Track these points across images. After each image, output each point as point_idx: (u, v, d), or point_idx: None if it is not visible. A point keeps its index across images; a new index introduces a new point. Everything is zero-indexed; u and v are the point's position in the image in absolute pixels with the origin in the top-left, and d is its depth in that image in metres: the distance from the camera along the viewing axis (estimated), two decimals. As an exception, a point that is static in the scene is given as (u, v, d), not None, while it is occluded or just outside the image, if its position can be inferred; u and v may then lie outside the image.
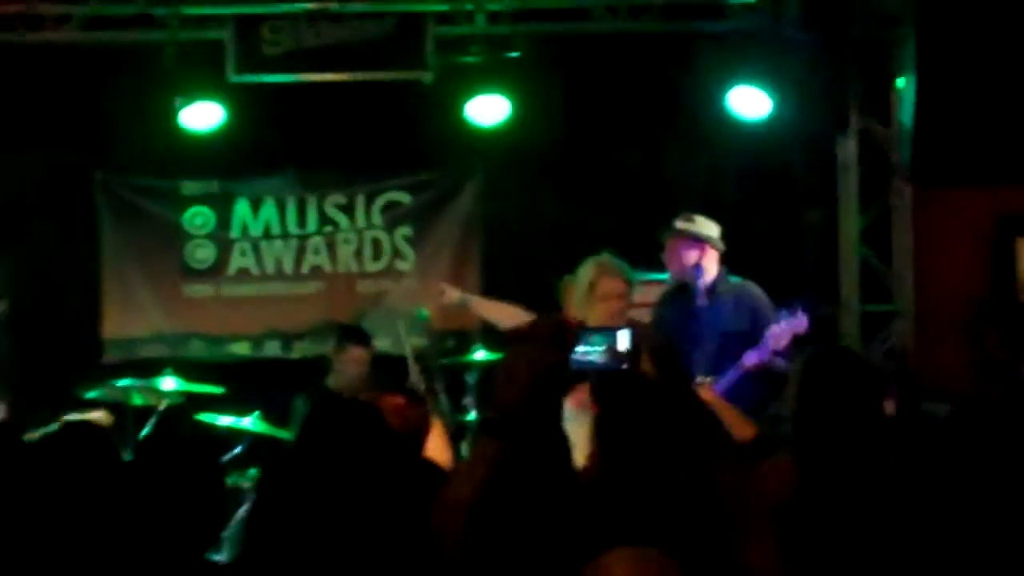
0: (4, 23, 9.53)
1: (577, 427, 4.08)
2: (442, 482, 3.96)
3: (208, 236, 10.96)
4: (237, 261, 10.98)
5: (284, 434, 9.07)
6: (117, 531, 3.79)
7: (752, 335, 7.88)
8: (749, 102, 9.63)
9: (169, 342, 10.89)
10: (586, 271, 7.40)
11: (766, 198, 10.07)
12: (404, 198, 10.98)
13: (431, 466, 4.81)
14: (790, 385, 4.54)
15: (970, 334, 9.47)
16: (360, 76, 9.73)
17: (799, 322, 7.79)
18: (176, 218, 10.93)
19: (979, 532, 4.18)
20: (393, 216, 10.98)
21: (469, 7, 9.67)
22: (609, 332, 3.99)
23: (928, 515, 4.20)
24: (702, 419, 4.00)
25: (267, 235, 10.96)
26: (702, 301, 8.13)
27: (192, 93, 9.67)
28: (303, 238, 10.97)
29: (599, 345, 3.93)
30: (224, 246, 10.96)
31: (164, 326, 10.93)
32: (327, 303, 10.96)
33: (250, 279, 11.00)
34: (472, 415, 9.17)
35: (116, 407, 8.30)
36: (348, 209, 10.98)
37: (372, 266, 11.01)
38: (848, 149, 9.98)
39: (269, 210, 10.96)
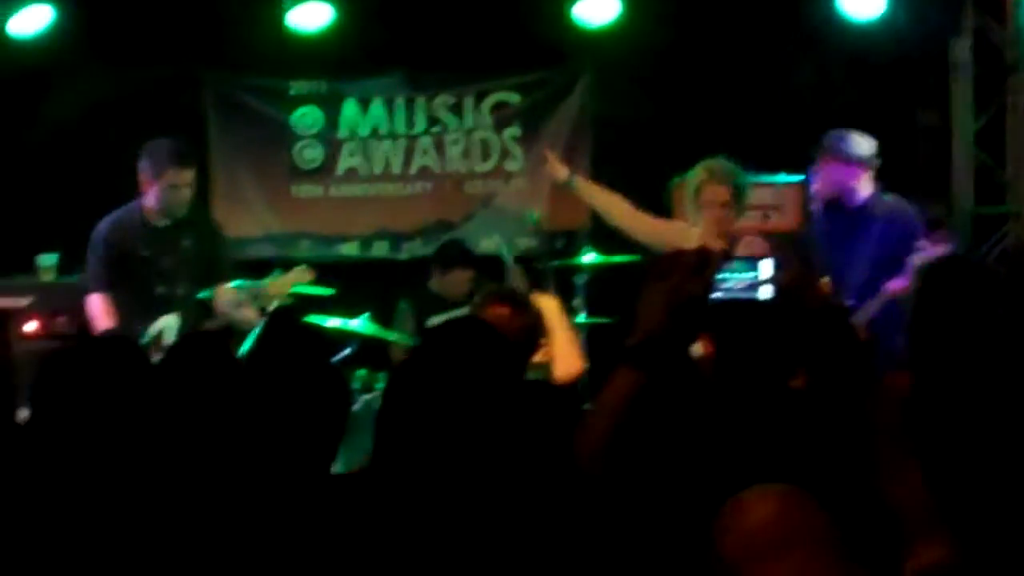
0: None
1: None
2: (559, 396, 3.94)
3: (316, 136, 10.99)
4: (346, 161, 11.00)
5: (391, 336, 9.12)
6: (241, 440, 3.76)
7: (901, 260, 7.54)
8: (863, 1, 9.47)
9: (278, 242, 10.96)
10: (695, 175, 7.36)
11: (879, 99, 9.91)
12: (513, 98, 10.92)
13: (539, 383, 4.79)
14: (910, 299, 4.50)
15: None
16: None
17: (943, 249, 7.55)
18: (284, 118, 10.95)
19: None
20: (502, 116, 10.92)
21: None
22: (751, 262, 3.97)
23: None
24: (848, 345, 3.97)
25: (375, 135, 10.96)
26: (853, 223, 7.85)
27: (301, -7, 9.69)
28: (411, 138, 10.94)
29: (742, 274, 3.91)
30: (332, 146, 10.97)
31: (273, 226, 11.01)
32: (435, 203, 10.97)
33: (358, 179, 11.02)
34: (581, 317, 9.16)
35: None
36: (456, 109, 10.93)
37: (480, 167, 10.98)
38: (963, 49, 9.80)
39: (377, 110, 10.94)
